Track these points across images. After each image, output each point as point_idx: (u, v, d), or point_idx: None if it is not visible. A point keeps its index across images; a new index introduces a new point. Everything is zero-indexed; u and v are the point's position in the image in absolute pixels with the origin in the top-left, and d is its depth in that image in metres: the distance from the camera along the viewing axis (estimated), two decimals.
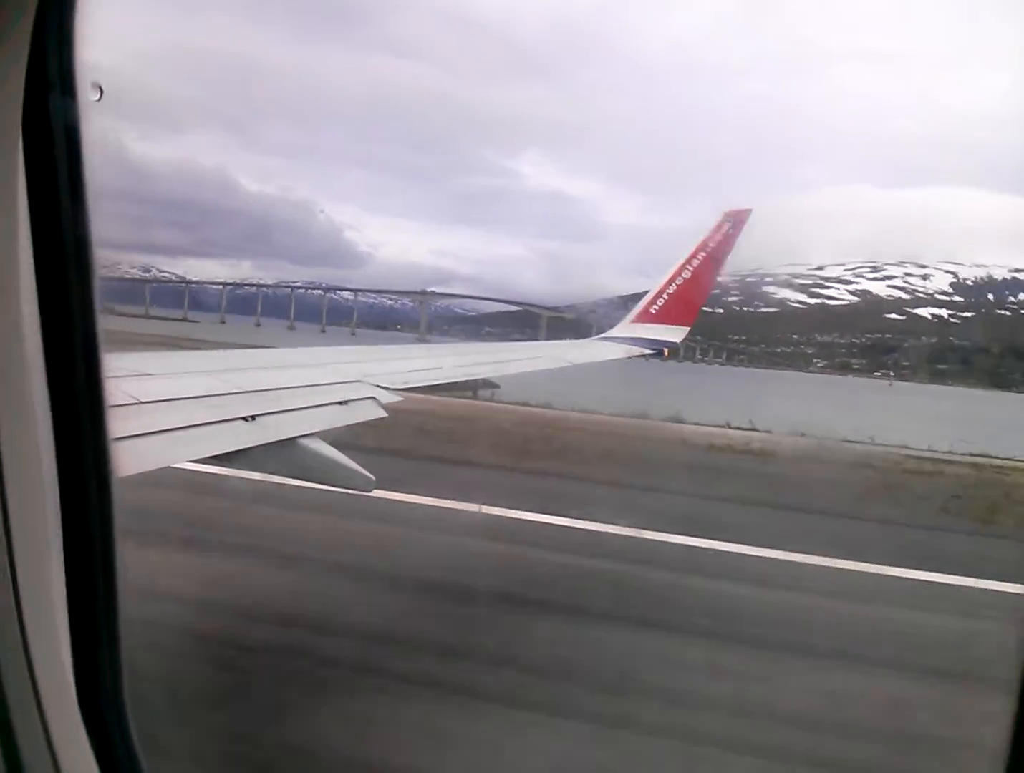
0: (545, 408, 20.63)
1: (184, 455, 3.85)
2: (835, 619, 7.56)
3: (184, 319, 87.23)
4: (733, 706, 5.70)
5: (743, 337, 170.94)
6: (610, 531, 9.50)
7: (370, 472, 4.32)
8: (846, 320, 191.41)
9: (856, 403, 48.70)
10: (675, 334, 11.04)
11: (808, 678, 6.31)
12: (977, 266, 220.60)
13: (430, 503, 10.04)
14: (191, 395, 4.20)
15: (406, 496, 9.96)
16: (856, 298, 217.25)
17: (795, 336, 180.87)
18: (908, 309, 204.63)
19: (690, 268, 11.01)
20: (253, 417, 4.20)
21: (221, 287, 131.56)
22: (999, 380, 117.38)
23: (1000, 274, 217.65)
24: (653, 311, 11.05)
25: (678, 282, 11.03)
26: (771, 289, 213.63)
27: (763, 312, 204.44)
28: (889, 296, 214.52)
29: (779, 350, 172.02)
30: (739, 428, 19.54)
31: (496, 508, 9.91)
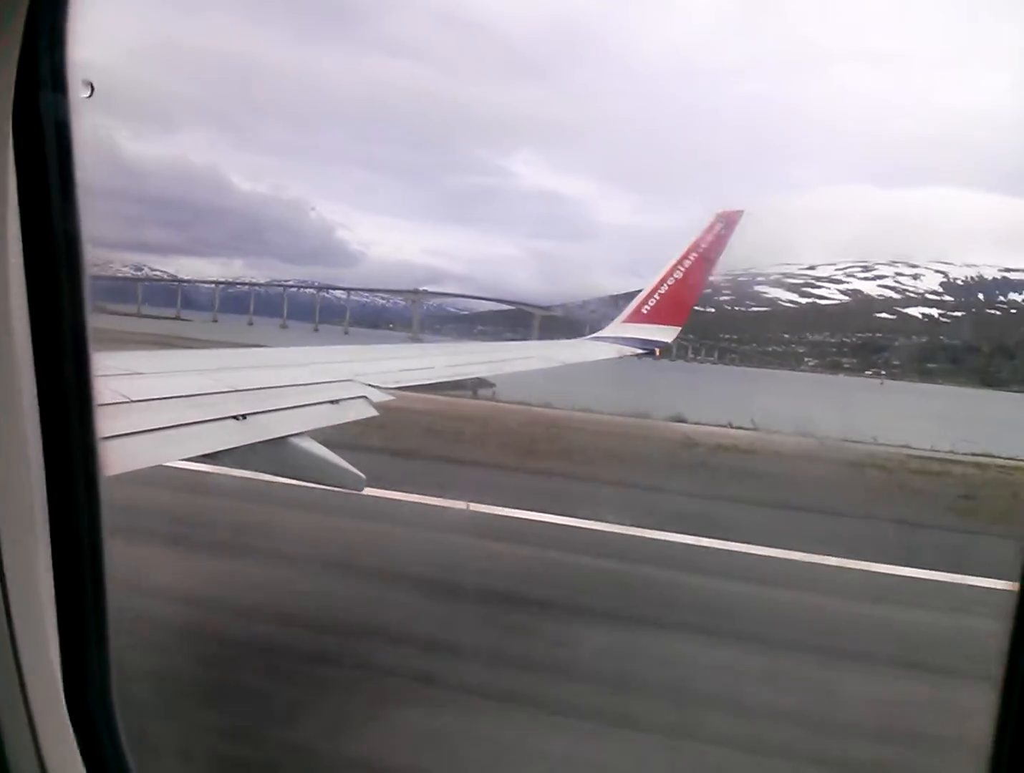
0: (546, 407, 20.62)
1: (174, 454, 3.86)
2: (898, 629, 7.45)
3: (177, 318, 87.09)
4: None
5: (735, 336, 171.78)
6: (665, 538, 9.36)
7: (378, 469, 4.29)
8: (837, 319, 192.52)
9: (849, 402, 48.98)
10: (666, 334, 11.07)
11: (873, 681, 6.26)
12: (968, 266, 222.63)
13: (445, 505, 9.99)
14: (182, 394, 4.20)
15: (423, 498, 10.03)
16: (847, 297, 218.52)
17: (786, 335, 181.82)
18: (899, 308, 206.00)
19: (682, 268, 11.04)
20: (244, 416, 4.20)
21: (214, 286, 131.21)
22: (988, 379, 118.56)
23: (991, 274, 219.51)
24: (645, 311, 11.08)
25: (670, 282, 11.06)
26: (763, 288, 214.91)
27: (755, 311, 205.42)
28: (880, 295, 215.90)
29: (770, 349, 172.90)
30: (741, 428, 19.60)
31: (527, 512, 9.87)
